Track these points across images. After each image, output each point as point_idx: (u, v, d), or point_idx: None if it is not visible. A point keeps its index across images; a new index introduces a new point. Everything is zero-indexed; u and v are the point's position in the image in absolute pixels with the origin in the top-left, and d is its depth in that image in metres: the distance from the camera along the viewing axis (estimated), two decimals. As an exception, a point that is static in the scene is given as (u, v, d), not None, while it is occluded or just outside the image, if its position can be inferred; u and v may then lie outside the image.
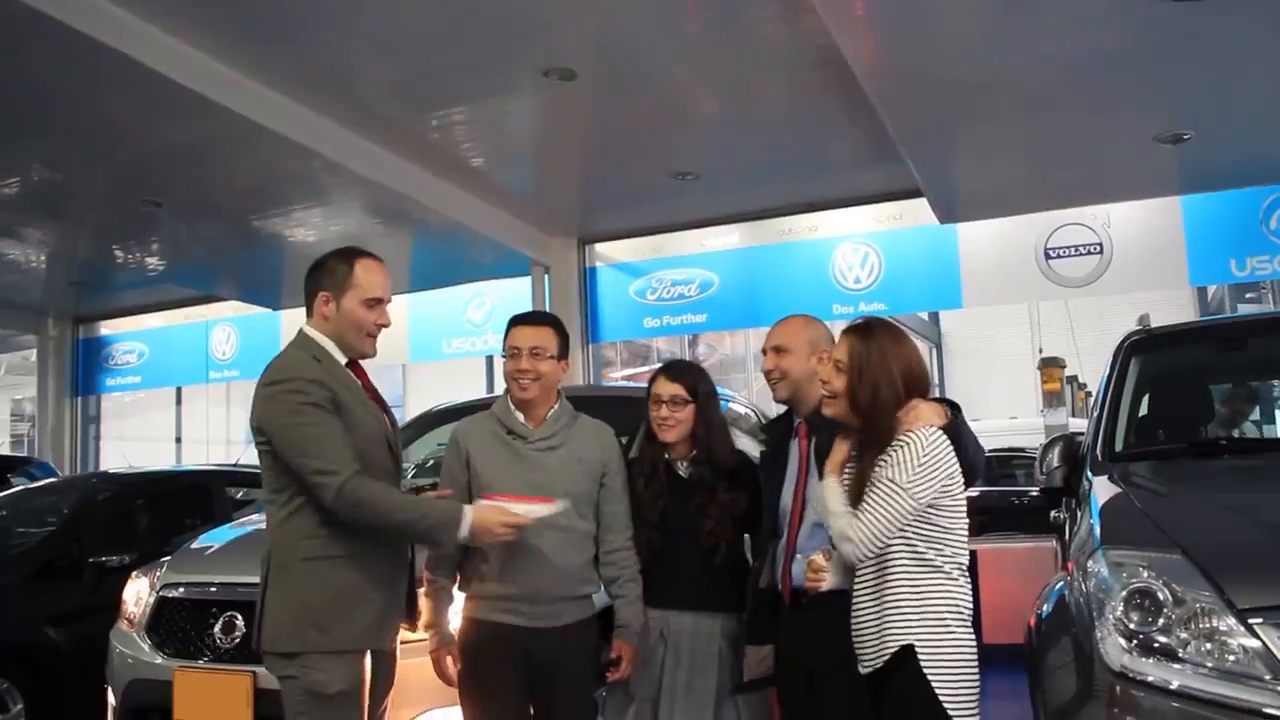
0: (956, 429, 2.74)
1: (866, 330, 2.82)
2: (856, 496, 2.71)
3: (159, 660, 4.19)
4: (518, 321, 3.32)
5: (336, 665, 2.86)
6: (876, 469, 2.68)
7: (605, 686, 3.39)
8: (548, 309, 10.10)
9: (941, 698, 2.58)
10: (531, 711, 3.22)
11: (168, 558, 4.67)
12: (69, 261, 11.03)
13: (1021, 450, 14.14)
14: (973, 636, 2.67)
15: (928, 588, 2.64)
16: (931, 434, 2.66)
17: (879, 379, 2.72)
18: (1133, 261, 9.04)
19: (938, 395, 2.92)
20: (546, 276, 10.34)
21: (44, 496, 7.37)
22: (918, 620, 2.62)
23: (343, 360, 3.04)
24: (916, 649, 2.61)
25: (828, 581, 2.94)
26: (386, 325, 3.11)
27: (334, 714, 2.85)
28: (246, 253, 10.38)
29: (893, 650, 2.63)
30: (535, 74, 6.46)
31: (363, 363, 3.13)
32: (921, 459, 2.62)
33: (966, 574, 2.72)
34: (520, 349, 3.22)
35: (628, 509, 3.31)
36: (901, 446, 2.66)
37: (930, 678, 2.59)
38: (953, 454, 2.68)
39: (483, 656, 3.17)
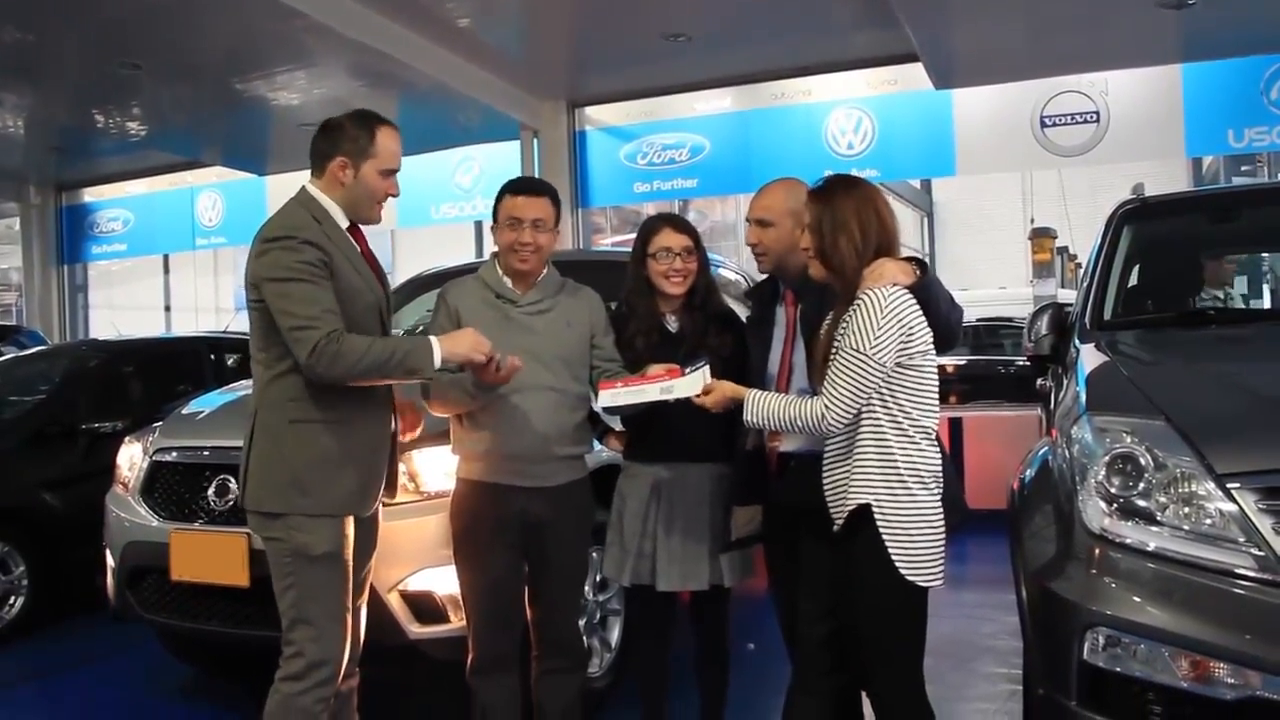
0: (925, 288, 2.71)
1: (826, 187, 2.82)
2: (826, 354, 2.72)
3: (154, 523, 4.25)
4: (517, 190, 3.25)
5: (320, 527, 2.89)
6: (838, 337, 2.68)
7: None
8: (537, 174, 9.99)
9: (895, 558, 2.62)
10: (528, 564, 3.27)
11: (159, 423, 4.71)
12: (48, 127, 10.83)
13: (1010, 320, 14.26)
14: (936, 501, 2.68)
15: (890, 450, 2.65)
16: (891, 292, 2.63)
17: (838, 232, 2.72)
18: (1129, 131, 8.95)
19: (912, 256, 2.86)
20: (535, 140, 10.21)
21: (35, 364, 7.39)
22: (879, 480, 2.65)
23: (344, 224, 3.01)
24: (874, 508, 2.64)
25: (785, 442, 3.01)
26: (395, 195, 3.08)
27: (320, 573, 2.90)
28: (230, 117, 10.21)
29: (851, 508, 2.68)
30: (522, -72, 6.26)
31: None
32: (880, 320, 2.60)
33: (934, 441, 2.73)
34: (522, 220, 3.19)
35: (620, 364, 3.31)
36: (857, 308, 2.64)
37: (885, 538, 2.62)
38: (915, 313, 2.66)
39: (477, 516, 3.20)
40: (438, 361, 2.89)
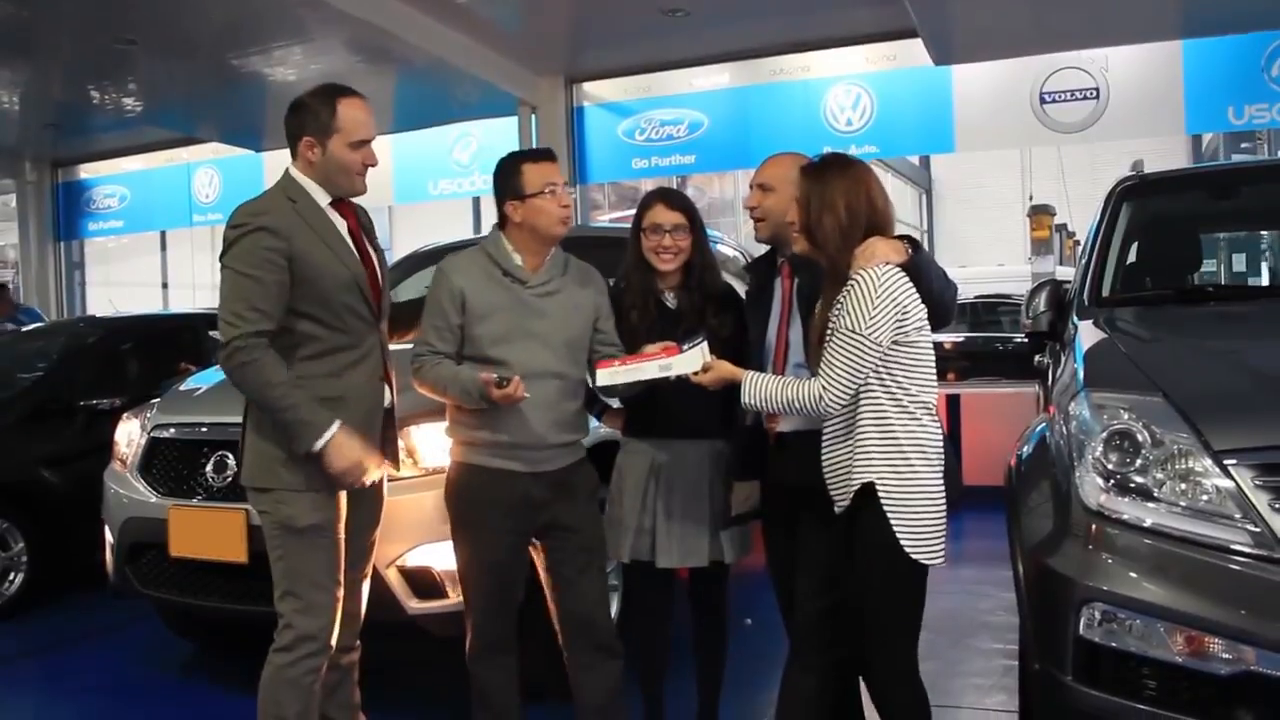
0: (917, 266, 2.71)
1: (819, 165, 2.83)
2: (821, 336, 2.72)
3: (153, 499, 4.26)
4: (541, 157, 3.21)
5: (305, 500, 2.91)
6: (832, 317, 2.68)
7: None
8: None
9: (900, 536, 2.62)
10: (545, 553, 3.23)
11: (157, 400, 4.71)
12: (43, 102, 10.77)
13: (1008, 297, 14.27)
14: (938, 477, 2.69)
15: (891, 426, 2.66)
16: (883, 271, 2.64)
17: (824, 211, 2.72)
18: (1129, 107, 8.89)
19: (904, 234, 2.86)
20: (533, 116, 10.15)
21: (32, 341, 7.39)
22: (881, 457, 2.65)
23: (325, 201, 3.00)
24: (877, 486, 2.64)
25: (784, 423, 3.00)
26: (374, 164, 3.05)
27: (306, 546, 2.92)
28: (226, 93, 10.13)
29: (856, 488, 2.68)
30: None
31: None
32: (874, 299, 2.60)
33: (934, 416, 2.73)
34: (556, 185, 3.16)
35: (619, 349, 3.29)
36: (851, 288, 2.65)
37: (890, 516, 2.63)
38: (909, 291, 2.66)
39: (477, 499, 3.14)
40: (314, 449, 2.87)
